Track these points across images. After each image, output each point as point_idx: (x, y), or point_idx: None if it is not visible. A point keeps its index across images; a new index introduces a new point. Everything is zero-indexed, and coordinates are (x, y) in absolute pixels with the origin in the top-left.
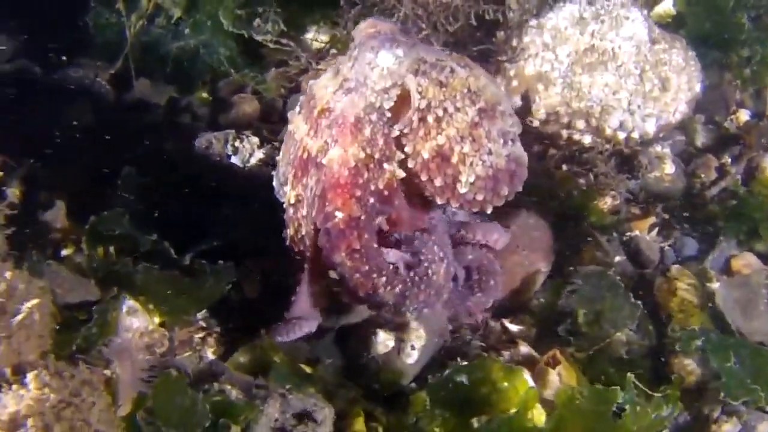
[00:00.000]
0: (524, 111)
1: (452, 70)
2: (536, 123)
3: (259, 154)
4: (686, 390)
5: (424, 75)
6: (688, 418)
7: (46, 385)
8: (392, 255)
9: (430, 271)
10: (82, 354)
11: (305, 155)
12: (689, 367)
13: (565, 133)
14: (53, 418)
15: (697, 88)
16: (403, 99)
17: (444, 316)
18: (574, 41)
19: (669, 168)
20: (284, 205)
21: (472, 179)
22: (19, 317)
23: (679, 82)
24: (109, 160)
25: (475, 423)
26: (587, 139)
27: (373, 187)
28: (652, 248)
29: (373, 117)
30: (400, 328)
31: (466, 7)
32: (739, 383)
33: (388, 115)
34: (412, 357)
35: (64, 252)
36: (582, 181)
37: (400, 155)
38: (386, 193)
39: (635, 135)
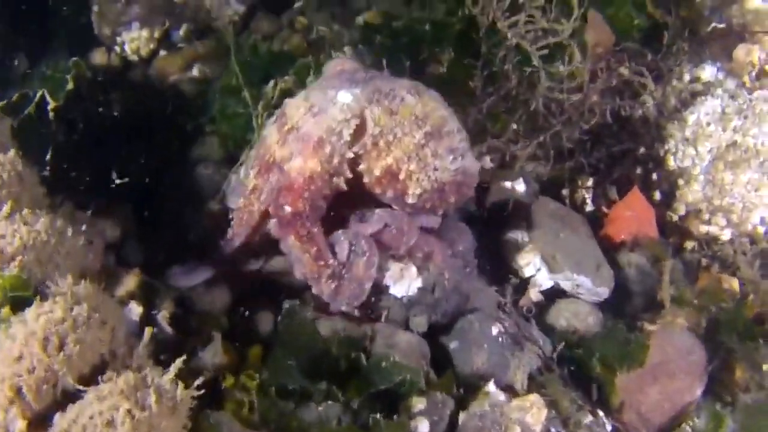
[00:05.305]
0: (665, 205)
1: (402, 99)
2: (676, 218)
3: None
4: None
5: (378, 104)
6: None
7: None
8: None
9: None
10: None
11: (271, 159)
12: None
13: (704, 228)
14: None
15: None
16: (362, 123)
17: None
18: (717, 137)
19: None
20: (241, 187)
21: (418, 192)
22: None
23: None
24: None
25: None
26: (726, 235)
27: (324, 192)
28: None
29: (333, 139)
30: None
31: (602, 103)
32: None
33: (348, 138)
34: None
35: (224, 385)
36: (727, 286)
37: (348, 174)
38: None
39: None
